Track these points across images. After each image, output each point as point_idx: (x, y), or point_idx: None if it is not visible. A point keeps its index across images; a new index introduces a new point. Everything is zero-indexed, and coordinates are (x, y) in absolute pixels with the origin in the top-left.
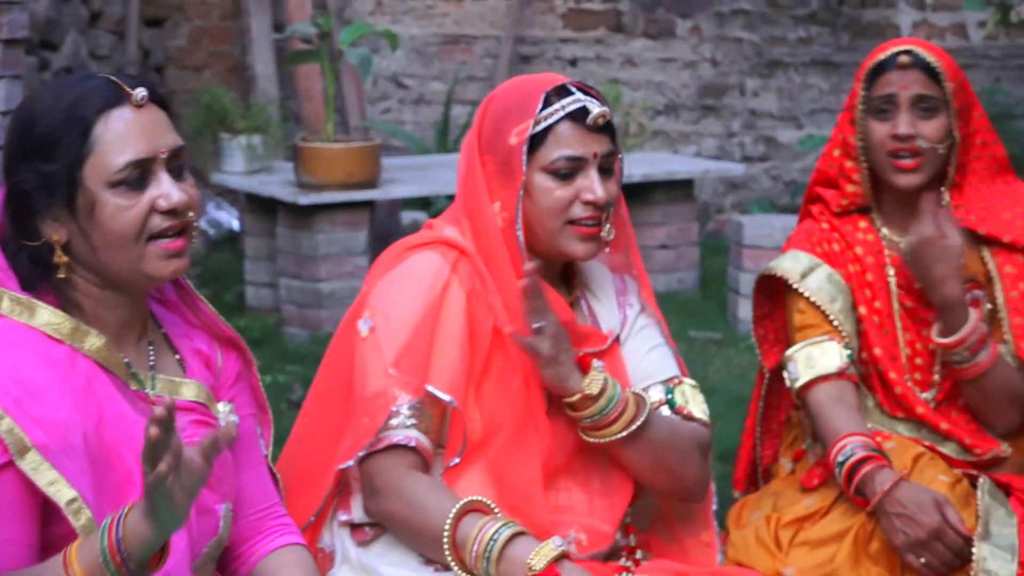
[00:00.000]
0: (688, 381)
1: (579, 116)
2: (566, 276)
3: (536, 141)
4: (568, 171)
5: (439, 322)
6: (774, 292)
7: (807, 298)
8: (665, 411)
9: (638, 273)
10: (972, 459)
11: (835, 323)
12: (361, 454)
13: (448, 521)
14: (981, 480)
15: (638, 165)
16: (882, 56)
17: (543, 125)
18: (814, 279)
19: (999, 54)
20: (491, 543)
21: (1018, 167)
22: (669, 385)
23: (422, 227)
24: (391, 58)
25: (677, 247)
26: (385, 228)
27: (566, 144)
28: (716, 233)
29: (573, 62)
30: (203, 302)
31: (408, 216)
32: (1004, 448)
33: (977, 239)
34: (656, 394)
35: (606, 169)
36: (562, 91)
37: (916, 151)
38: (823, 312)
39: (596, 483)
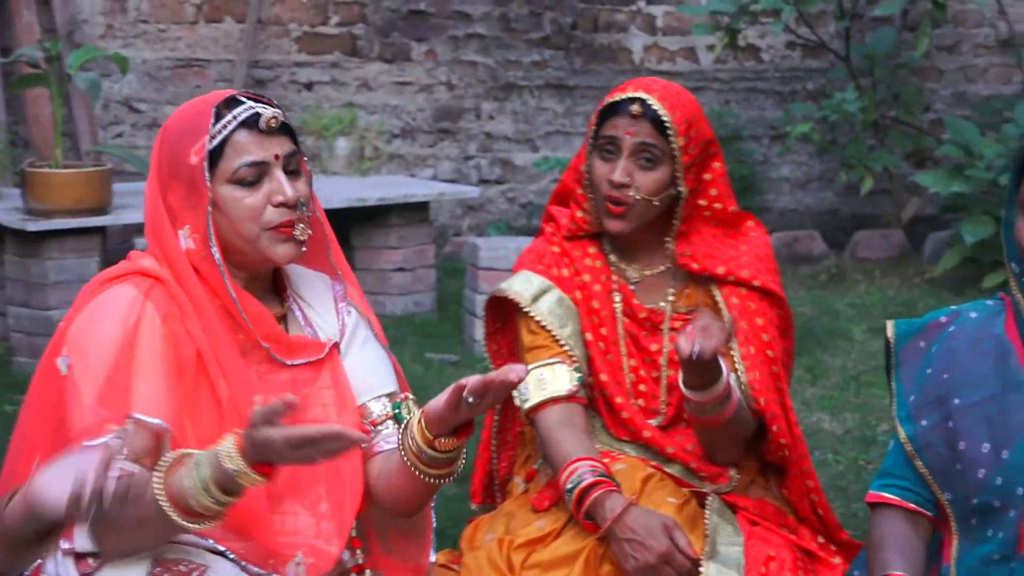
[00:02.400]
0: (411, 397)
1: (253, 122)
2: (277, 287)
3: (216, 155)
4: (253, 178)
5: (136, 351)
6: (505, 310)
7: (538, 321)
8: (391, 426)
9: (343, 274)
10: (699, 482)
11: (565, 347)
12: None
13: (158, 479)
14: (709, 499)
15: (374, 188)
16: (618, 97)
17: (219, 138)
18: (545, 302)
19: (728, 77)
20: (196, 468)
21: (748, 187)
22: (396, 400)
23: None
24: (123, 82)
25: (414, 269)
26: (118, 254)
27: (245, 151)
28: (453, 255)
29: (309, 86)
30: None
31: (143, 242)
32: (732, 473)
33: (705, 278)
34: (380, 408)
35: (293, 171)
36: (232, 102)
37: (626, 200)
38: (553, 336)
39: (323, 506)
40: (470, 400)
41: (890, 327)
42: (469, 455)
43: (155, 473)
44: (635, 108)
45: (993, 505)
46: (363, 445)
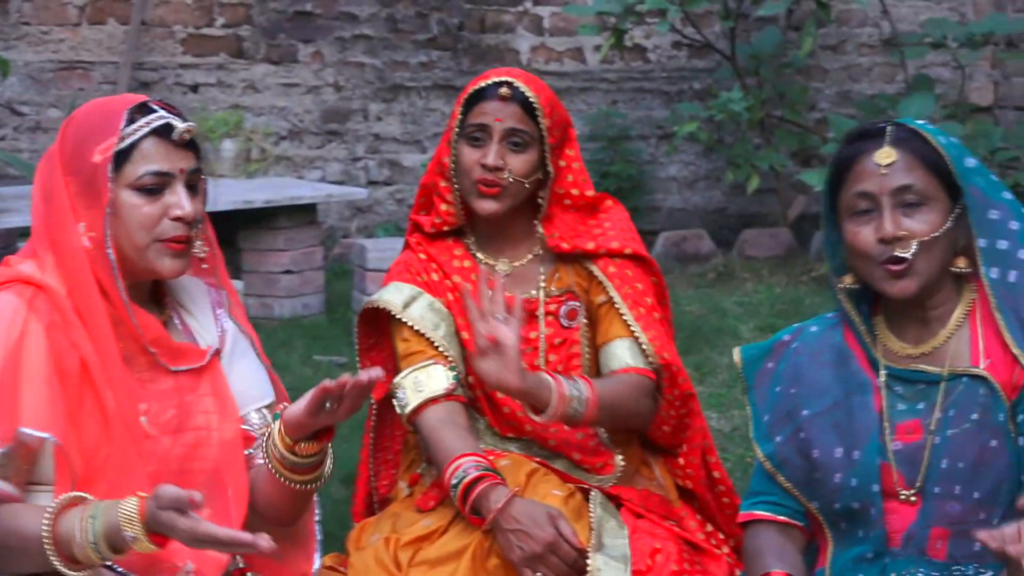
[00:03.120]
0: (283, 405)
1: (164, 132)
2: (157, 295)
3: (121, 158)
4: (155, 187)
5: (22, 364)
6: (378, 323)
7: (411, 327)
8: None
9: (228, 293)
10: (584, 475)
11: (440, 348)
12: None
13: (46, 520)
14: (593, 493)
15: (261, 191)
16: (483, 84)
17: (128, 142)
18: (416, 308)
19: (615, 77)
20: (91, 520)
21: (635, 187)
22: (276, 411)
23: None
24: (5, 85)
25: (302, 272)
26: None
27: (151, 160)
28: (342, 257)
29: (194, 88)
30: None
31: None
32: (618, 461)
33: (574, 256)
34: (259, 419)
35: (192, 187)
36: (145, 109)
37: (501, 182)
38: (427, 339)
39: (206, 512)
40: (328, 405)
41: (737, 353)
42: (354, 459)
43: (45, 514)
44: (504, 91)
45: (854, 507)
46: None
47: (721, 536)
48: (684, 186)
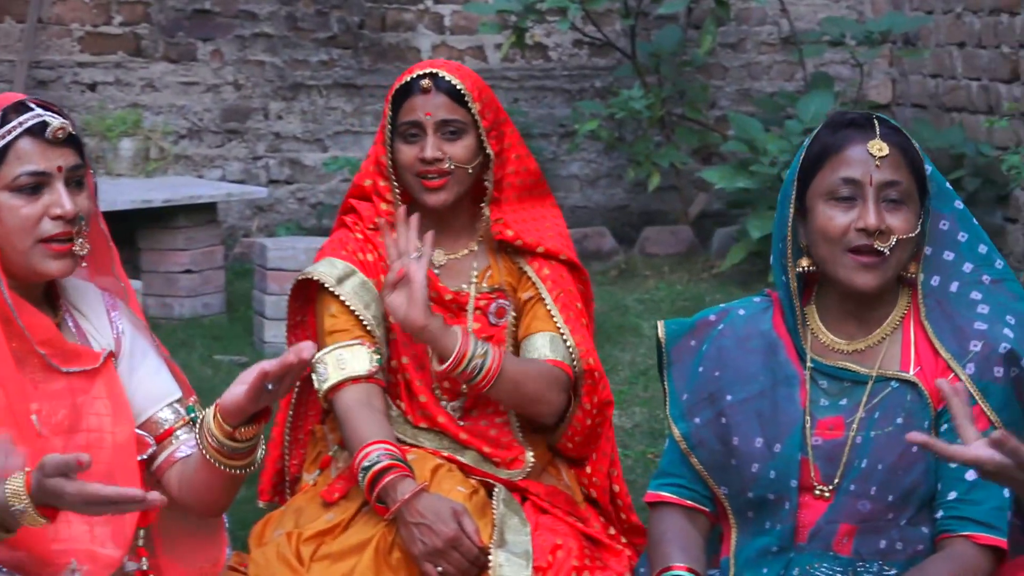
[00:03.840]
0: (195, 398)
1: (39, 131)
2: (50, 296)
3: None
4: (33, 187)
5: None
6: (308, 299)
7: (341, 302)
8: (188, 431)
9: (126, 287)
10: (493, 468)
11: (368, 328)
12: None
13: None
14: (497, 490)
15: (160, 190)
16: (408, 79)
17: (2, 143)
18: (349, 284)
19: (516, 75)
20: None
21: None
22: (188, 404)
23: None
24: None
25: (202, 271)
26: None
27: (27, 159)
28: (243, 256)
29: (92, 87)
30: None
31: None
32: (527, 457)
33: (511, 248)
34: (172, 415)
35: (77, 183)
36: (21, 107)
37: (444, 171)
38: (357, 317)
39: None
40: (269, 387)
41: (661, 327)
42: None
43: None
44: (425, 83)
45: (768, 498)
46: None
47: (624, 540)
48: (586, 184)
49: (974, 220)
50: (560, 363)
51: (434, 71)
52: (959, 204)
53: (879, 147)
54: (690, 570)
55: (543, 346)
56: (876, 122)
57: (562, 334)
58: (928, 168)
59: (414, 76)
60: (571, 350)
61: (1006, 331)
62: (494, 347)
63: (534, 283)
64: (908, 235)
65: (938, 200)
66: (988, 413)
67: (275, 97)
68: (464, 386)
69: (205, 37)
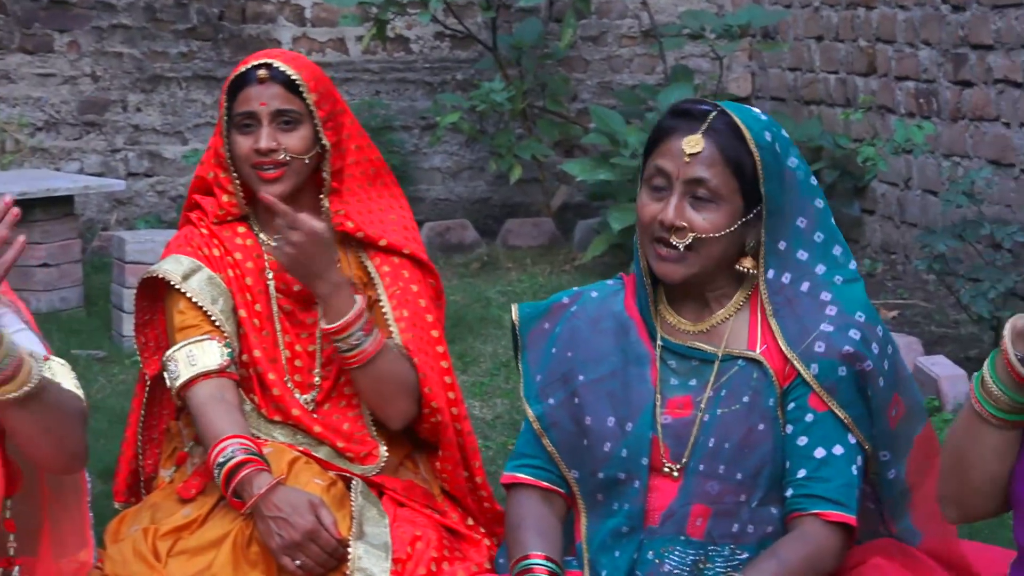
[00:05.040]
0: (56, 359)
1: None
2: None
3: None
4: None
5: None
6: (156, 297)
7: (189, 298)
8: None
9: None
10: (347, 463)
11: (216, 323)
12: None
13: None
14: (355, 482)
15: (15, 183)
16: (243, 70)
17: None
18: (195, 280)
19: (378, 68)
20: None
21: (399, 178)
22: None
23: None
24: None
25: (59, 265)
26: None
27: None
28: (101, 250)
29: None
30: None
31: None
32: (381, 451)
33: (355, 243)
34: None
35: None
36: None
37: (280, 163)
38: (204, 312)
39: None
40: None
41: (515, 310)
42: (113, 453)
43: None
44: (262, 73)
45: (619, 478)
46: None
47: (483, 530)
48: (448, 176)
49: (832, 221)
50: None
51: (269, 61)
52: (820, 203)
53: (694, 143)
54: (547, 558)
55: None
56: (712, 117)
57: (392, 334)
58: (794, 161)
59: (250, 66)
60: (400, 352)
61: (851, 333)
62: (381, 334)
63: (373, 280)
64: (709, 235)
65: (799, 197)
66: (838, 412)
67: (134, 89)
68: (317, 371)
69: (62, 28)
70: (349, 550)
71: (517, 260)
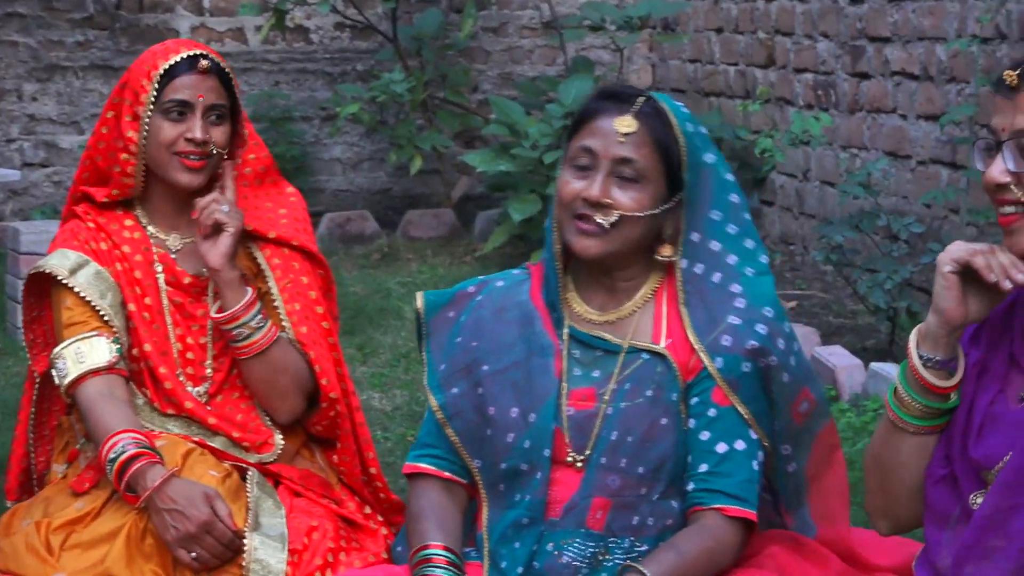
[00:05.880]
0: None
1: None
2: None
3: None
4: None
5: None
6: (44, 293)
7: (76, 293)
8: None
9: None
10: (243, 453)
11: (105, 318)
12: None
13: None
14: (251, 473)
15: None
16: (176, 59)
17: None
18: (83, 275)
19: (277, 58)
20: None
21: (299, 168)
22: None
23: None
24: None
25: None
26: None
27: None
28: None
29: None
30: None
31: None
32: (277, 440)
33: (245, 235)
34: None
35: None
36: None
37: (206, 154)
38: (93, 308)
39: None
40: None
41: (419, 298)
42: (4, 450)
43: None
44: (204, 63)
45: (521, 469)
46: None
47: (380, 519)
48: (348, 167)
49: (747, 215)
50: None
51: (205, 53)
52: (736, 198)
53: (627, 124)
54: (446, 548)
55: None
56: (640, 100)
57: (284, 328)
58: (711, 156)
59: (185, 55)
60: (294, 345)
61: (758, 327)
62: (273, 328)
63: (263, 272)
64: (634, 213)
65: (715, 190)
66: (739, 408)
67: (29, 78)
68: (209, 365)
69: None
70: (245, 541)
71: (417, 251)
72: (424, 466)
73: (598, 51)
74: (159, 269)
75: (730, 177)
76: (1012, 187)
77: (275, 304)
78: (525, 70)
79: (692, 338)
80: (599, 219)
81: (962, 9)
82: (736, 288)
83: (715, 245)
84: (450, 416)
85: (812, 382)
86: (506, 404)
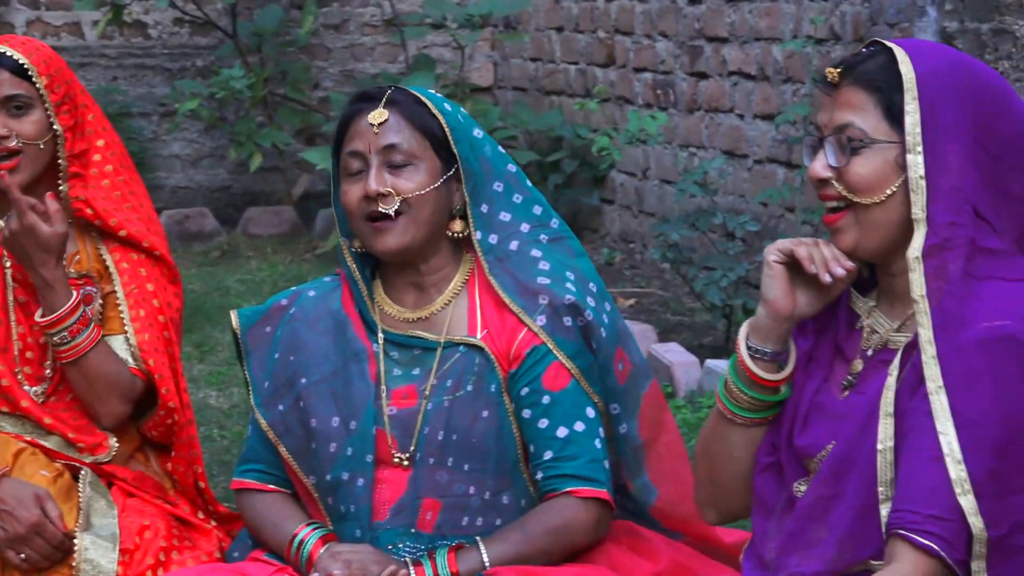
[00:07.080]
0: None
1: None
2: None
3: None
4: None
5: None
6: None
7: None
8: None
9: None
10: (77, 453)
11: None
12: None
13: None
14: (83, 472)
15: None
16: None
17: None
18: None
19: (115, 53)
20: None
21: (139, 164)
22: None
23: None
24: None
25: None
26: None
27: None
28: None
29: None
30: None
31: None
32: (111, 443)
33: (95, 231)
34: None
35: None
36: None
37: (13, 150)
38: None
39: None
40: None
41: (234, 317)
42: None
43: None
44: None
45: (342, 479)
46: None
47: (213, 522)
48: (187, 164)
49: (528, 183)
50: (133, 369)
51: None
52: (512, 168)
53: (378, 114)
54: (310, 526)
55: (122, 350)
56: (390, 92)
57: (127, 336)
58: (479, 132)
59: None
60: (134, 352)
61: (568, 285)
62: (96, 332)
63: (111, 274)
64: (416, 193)
65: (490, 163)
66: (566, 363)
67: None
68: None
69: None
70: (75, 542)
71: (258, 249)
72: (250, 481)
73: (440, 49)
74: (7, 264)
75: (501, 150)
76: (833, 182)
77: (120, 309)
78: (366, 67)
79: (508, 302)
80: (383, 208)
81: (798, 10)
82: (536, 253)
83: (505, 216)
84: (280, 435)
85: (626, 342)
86: (327, 414)
